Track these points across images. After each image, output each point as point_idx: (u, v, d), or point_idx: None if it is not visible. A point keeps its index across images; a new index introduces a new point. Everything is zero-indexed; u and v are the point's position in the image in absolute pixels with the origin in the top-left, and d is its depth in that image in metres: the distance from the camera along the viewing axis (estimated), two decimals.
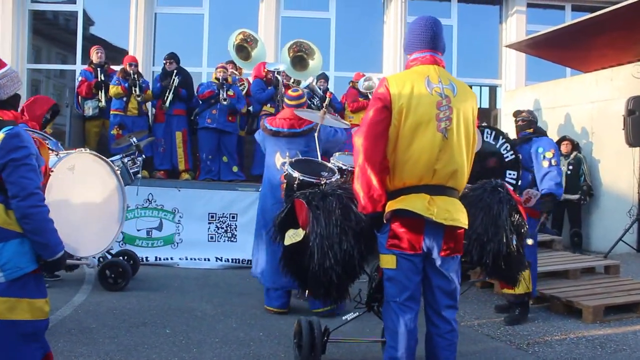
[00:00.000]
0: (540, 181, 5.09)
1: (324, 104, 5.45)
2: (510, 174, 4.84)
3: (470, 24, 12.88)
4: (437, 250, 2.91)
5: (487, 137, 4.79)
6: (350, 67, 11.40)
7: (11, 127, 2.65)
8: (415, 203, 2.85)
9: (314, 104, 8.21)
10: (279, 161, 5.11)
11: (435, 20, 3.06)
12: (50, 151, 3.19)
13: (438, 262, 2.93)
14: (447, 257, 2.94)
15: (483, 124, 4.99)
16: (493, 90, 13.26)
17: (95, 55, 8.65)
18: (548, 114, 9.47)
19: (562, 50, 10.56)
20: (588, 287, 5.78)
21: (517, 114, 5.62)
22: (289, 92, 5.54)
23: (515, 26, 12.78)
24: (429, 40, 3.00)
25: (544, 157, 5.10)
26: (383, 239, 2.97)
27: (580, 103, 8.93)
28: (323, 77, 8.88)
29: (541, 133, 5.47)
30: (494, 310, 5.51)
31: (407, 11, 12.56)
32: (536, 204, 5.05)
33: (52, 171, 3.03)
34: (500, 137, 4.81)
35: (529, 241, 5.01)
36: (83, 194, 3.47)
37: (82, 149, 3.69)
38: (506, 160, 4.85)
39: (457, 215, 2.92)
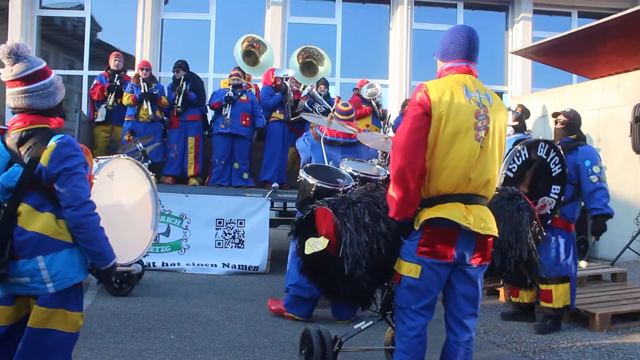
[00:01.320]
0: (589, 198, 4.82)
1: (332, 110, 5.46)
2: (554, 189, 4.58)
3: (477, 30, 12.86)
4: (468, 259, 2.90)
5: (540, 152, 4.47)
6: (356, 74, 11.45)
7: (62, 135, 2.64)
8: (454, 212, 2.84)
9: (315, 110, 8.22)
10: None
11: (474, 32, 3.08)
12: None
13: (468, 270, 2.93)
14: (479, 265, 2.94)
15: (540, 138, 4.62)
16: (499, 96, 13.23)
17: (113, 61, 8.70)
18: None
19: (568, 56, 10.54)
20: (594, 294, 5.73)
21: (556, 114, 5.24)
22: (339, 106, 5.55)
23: (522, 33, 12.81)
24: (467, 51, 3.01)
25: (592, 171, 4.80)
26: (412, 246, 2.93)
27: (587, 110, 8.89)
28: (323, 83, 8.88)
29: (583, 139, 5.11)
30: (500, 317, 5.48)
31: (414, 18, 12.60)
32: (576, 217, 4.97)
33: (95, 179, 3.02)
34: (552, 151, 4.50)
35: (582, 264, 4.88)
36: (120, 200, 3.47)
37: (121, 154, 3.69)
38: (553, 175, 4.54)
39: (490, 224, 2.93)
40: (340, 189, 3.98)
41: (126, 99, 8.10)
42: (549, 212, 4.58)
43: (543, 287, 4.98)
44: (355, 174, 4.34)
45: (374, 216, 3.27)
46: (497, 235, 2.98)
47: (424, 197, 2.92)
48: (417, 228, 2.92)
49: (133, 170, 3.72)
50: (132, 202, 3.63)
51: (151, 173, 3.81)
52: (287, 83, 8.42)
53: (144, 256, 3.98)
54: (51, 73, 2.73)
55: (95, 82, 8.70)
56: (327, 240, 3.29)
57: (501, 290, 6.13)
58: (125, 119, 8.24)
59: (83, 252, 2.68)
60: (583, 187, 4.88)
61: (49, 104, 2.69)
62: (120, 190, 3.50)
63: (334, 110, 5.42)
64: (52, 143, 2.58)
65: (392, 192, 2.91)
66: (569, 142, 5.03)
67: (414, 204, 2.89)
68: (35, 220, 2.57)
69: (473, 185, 2.89)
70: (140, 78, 8.16)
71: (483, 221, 2.87)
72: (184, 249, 7.33)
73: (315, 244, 3.33)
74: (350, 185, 4.06)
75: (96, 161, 3.33)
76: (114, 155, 3.66)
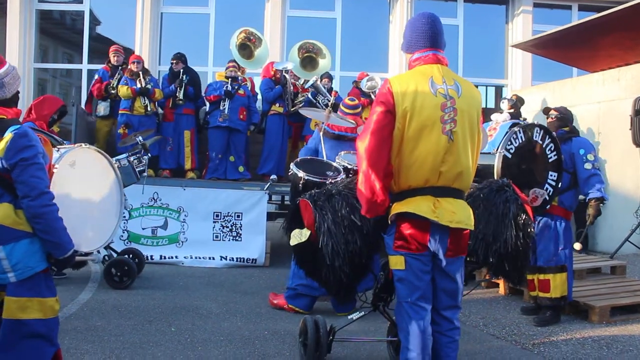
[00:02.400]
0: (584, 184, 4.94)
1: (330, 103, 5.47)
2: (551, 175, 4.63)
3: (477, 23, 12.88)
4: (443, 252, 2.90)
5: (535, 137, 4.54)
6: (355, 67, 11.41)
7: (18, 126, 2.65)
8: (421, 206, 2.83)
9: (319, 102, 8.23)
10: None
11: (435, 16, 3.02)
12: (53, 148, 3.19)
13: (443, 264, 2.92)
14: (451, 258, 2.93)
15: (534, 123, 4.69)
16: (499, 90, 13.23)
17: (113, 57, 8.65)
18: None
19: (568, 50, 10.53)
20: (594, 287, 5.75)
21: (547, 110, 5.39)
22: (346, 100, 5.58)
23: (522, 26, 12.77)
24: (430, 38, 2.96)
25: (587, 159, 4.93)
26: (390, 240, 2.96)
27: (587, 103, 8.90)
28: (327, 77, 8.89)
29: (576, 132, 5.23)
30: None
31: (413, 11, 12.55)
32: (574, 206, 5.02)
33: (55, 168, 3.04)
34: (547, 137, 4.57)
35: (577, 246, 4.94)
36: (82, 189, 3.47)
37: (82, 144, 3.69)
38: (549, 161, 4.61)
39: (462, 217, 2.90)
40: (328, 182, 4.00)
41: (123, 91, 8.02)
42: (547, 197, 4.59)
43: (541, 276, 5.00)
44: (350, 167, 4.34)
45: (351, 208, 3.32)
46: (470, 227, 2.96)
47: (395, 191, 2.93)
48: (389, 223, 2.94)
49: (96, 159, 3.71)
50: (96, 191, 3.63)
51: (114, 161, 3.80)
52: (287, 76, 8.41)
53: (115, 242, 3.95)
54: (5, 63, 2.73)
55: (96, 77, 8.66)
56: (309, 232, 3.33)
57: (501, 282, 6.13)
58: (120, 112, 8.18)
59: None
60: (578, 175, 4.98)
61: (4, 94, 2.70)
62: (83, 179, 3.49)
63: (332, 104, 5.43)
64: (9, 134, 2.59)
65: (360, 191, 2.94)
66: (563, 134, 5.11)
67: (384, 203, 2.90)
68: None
69: (444, 178, 2.87)
70: (140, 72, 8.12)
71: (453, 214, 2.85)
72: (182, 242, 7.34)
73: (299, 235, 3.39)
74: (339, 178, 4.08)
75: (57, 151, 3.32)
76: (76, 145, 3.65)
